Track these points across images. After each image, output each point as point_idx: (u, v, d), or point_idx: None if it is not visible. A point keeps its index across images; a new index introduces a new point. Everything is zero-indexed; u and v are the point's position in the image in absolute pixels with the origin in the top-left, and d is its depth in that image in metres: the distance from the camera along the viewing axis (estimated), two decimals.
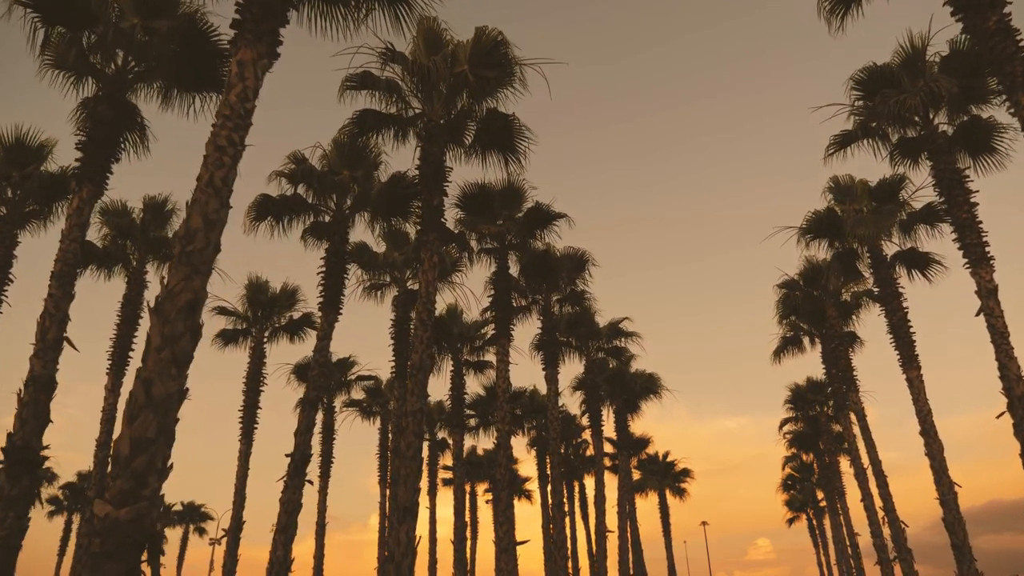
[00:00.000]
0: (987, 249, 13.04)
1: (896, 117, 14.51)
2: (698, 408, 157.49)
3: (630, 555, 26.49)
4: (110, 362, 17.93)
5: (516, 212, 17.29)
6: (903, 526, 20.14)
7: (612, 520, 27.87)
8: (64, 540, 46.15)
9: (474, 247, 17.80)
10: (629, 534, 27.98)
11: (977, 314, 12.77)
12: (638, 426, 41.10)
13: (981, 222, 13.28)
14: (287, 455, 13.59)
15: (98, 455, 16.90)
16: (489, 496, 35.56)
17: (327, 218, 16.47)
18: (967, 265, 13.18)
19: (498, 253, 17.33)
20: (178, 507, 53.39)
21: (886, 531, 21.37)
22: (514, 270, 20.75)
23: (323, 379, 14.74)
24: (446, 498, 31.19)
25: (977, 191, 13.58)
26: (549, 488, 29.45)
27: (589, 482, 34.40)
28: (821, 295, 23.83)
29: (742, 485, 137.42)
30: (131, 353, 18.57)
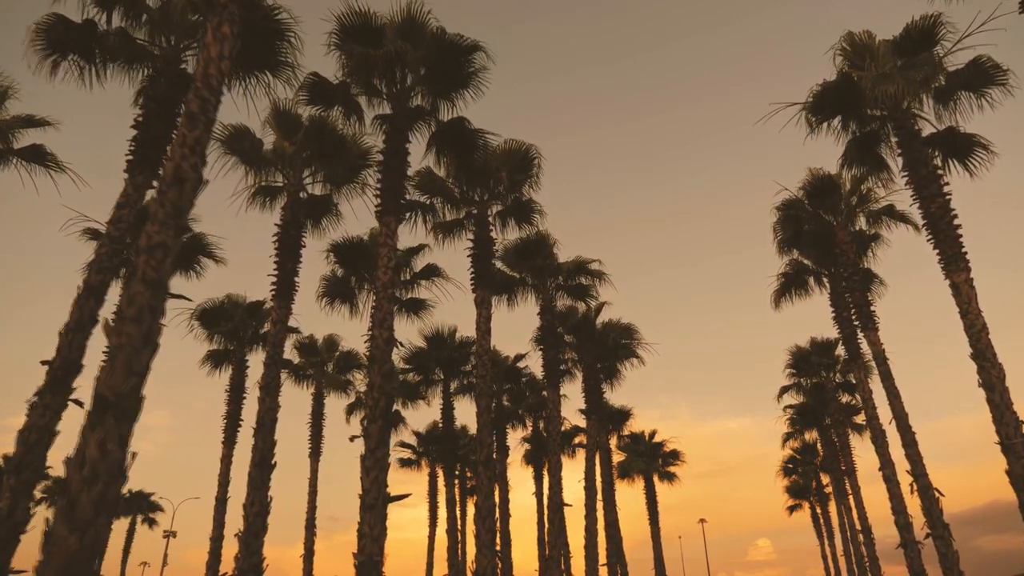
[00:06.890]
0: None
1: None
2: (699, 408, 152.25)
3: (600, 537, 21.98)
4: None
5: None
6: (938, 495, 15.67)
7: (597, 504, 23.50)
8: None
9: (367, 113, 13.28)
10: (602, 514, 23.49)
11: None
12: (628, 406, 36.64)
13: None
14: (43, 362, 9.22)
15: None
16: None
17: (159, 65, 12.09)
18: None
19: (396, 119, 12.80)
20: (124, 494, 48.91)
21: (911, 504, 17.00)
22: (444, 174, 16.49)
23: (116, 257, 10.38)
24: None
25: None
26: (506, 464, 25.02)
27: (566, 461, 30.00)
28: (830, 219, 19.42)
29: (742, 485, 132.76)
30: None
